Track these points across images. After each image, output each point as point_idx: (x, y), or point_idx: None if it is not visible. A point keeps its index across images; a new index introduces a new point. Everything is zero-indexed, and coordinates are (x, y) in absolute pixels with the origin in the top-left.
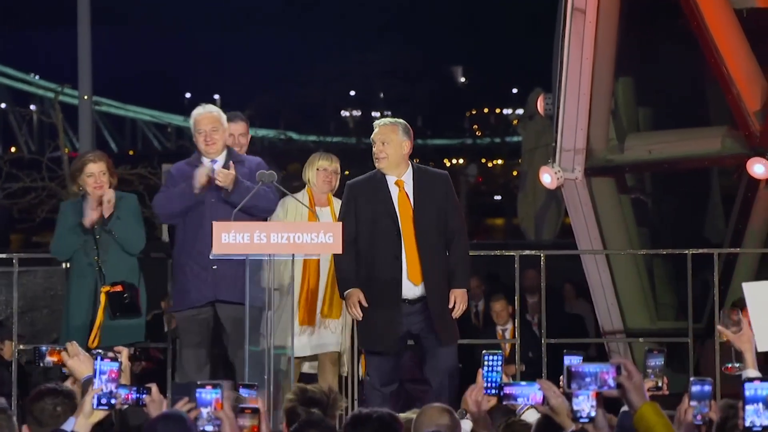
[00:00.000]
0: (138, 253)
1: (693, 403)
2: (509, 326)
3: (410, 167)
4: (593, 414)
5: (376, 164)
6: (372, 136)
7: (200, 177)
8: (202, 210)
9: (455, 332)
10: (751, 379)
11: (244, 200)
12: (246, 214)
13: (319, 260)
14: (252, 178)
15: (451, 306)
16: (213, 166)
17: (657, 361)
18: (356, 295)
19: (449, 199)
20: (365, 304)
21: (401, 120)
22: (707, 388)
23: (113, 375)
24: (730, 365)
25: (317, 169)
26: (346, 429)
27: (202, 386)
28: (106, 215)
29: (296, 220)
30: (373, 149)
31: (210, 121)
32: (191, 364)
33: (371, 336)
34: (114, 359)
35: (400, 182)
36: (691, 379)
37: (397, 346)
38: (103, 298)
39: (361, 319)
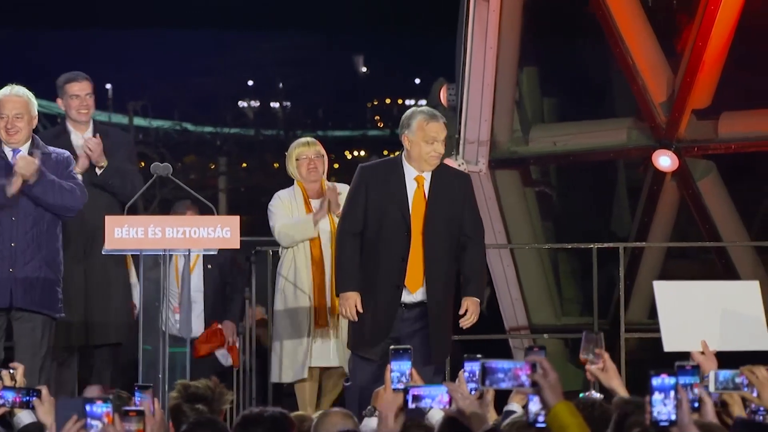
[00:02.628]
0: None
1: None
2: None
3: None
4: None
5: (432, 162)
6: (431, 132)
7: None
8: None
9: (447, 348)
10: (658, 373)
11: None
12: (49, 212)
13: (321, 252)
14: (59, 171)
15: (462, 313)
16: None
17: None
18: (354, 298)
19: (467, 202)
20: (360, 310)
21: None
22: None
23: None
24: (585, 356)
25: (296, 160)
26: (237, 429)
27: (92, 401)
28: None
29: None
30: (428, 149)
31: (15, 106)
32: None
33: (363, 340)
34: None
35: (421, 179)
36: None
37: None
38: None
39: (355, 320)
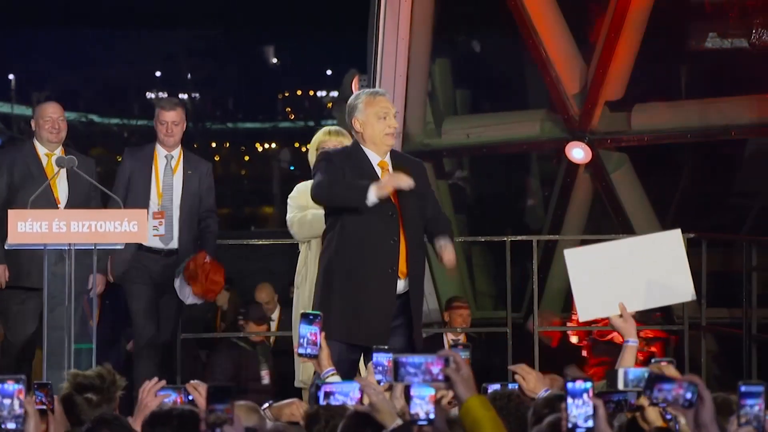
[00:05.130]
0: None
1: None
2: None
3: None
4: (432, 416)
5: (388, 141)
6: (379, 109)
7: None
8: None
9: (421, 338)
10: (573, 379)
11: None
12: None
13: None
14: None
15: (441, 253)
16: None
17: (461, 355)
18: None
19: (429, 188)
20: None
21: None
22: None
23: None
24: None
25: (317, 150)
26: (145, 427)
27: (2, 381)
28: None
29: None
30: (381, 125)
31: None
32: None
33: (359, 329)
34: None
35: (384, 164)
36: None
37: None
38: None
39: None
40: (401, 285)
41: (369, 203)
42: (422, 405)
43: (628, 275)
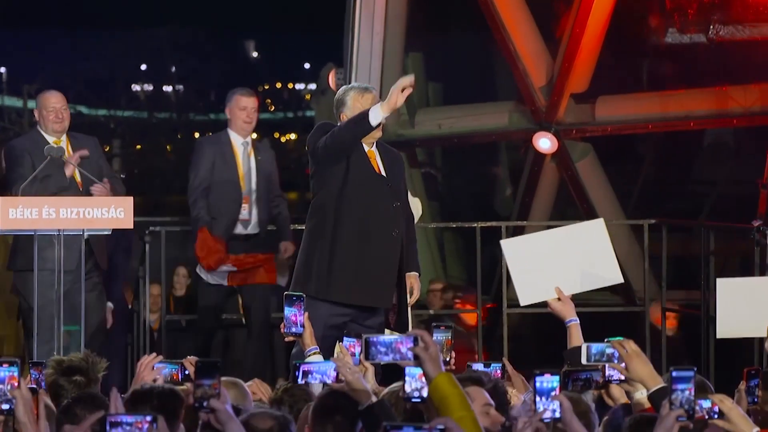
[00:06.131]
0: None
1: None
2: None
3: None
4: (425, 394)
5: (375, 134)
6: (368, 104)
7: None
8: None
9: (407, 322)
10: (542, 373)
11: None
12: None
13: None
14: None
15: (408, 291)
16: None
17: (441, 336)
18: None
19: (404, 181)
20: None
21: None
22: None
23: None
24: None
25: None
26: (127, 404)
27: None
28: None
29: None
30: None
31: None
32: None
33: (361, 289)
34: None
35: (372, 153)
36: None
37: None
38: None
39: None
40: None
41: (374, 123)
42: (412, 383)
43: (561, 262)
